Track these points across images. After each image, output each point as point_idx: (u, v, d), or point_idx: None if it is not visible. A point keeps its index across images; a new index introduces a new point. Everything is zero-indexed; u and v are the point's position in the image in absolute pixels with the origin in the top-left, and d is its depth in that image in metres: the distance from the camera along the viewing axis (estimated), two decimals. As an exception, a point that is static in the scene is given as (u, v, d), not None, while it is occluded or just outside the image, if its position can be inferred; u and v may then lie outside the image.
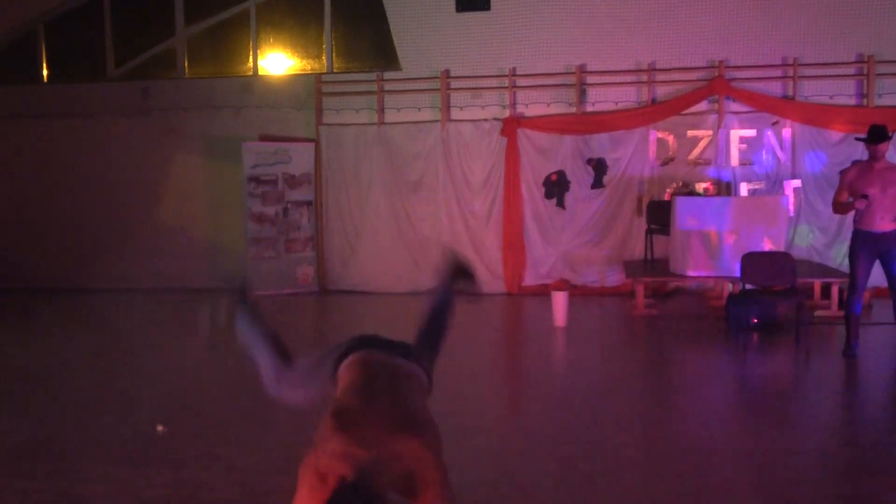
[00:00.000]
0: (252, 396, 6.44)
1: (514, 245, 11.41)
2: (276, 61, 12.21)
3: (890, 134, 7.22)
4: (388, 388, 2.89)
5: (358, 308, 10.93)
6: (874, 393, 6.61)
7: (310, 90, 11.96)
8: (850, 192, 7.11)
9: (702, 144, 11.08)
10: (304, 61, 12.16)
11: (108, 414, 5.89)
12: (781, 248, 9.45)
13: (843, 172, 7.61)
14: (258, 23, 12.11)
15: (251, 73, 12.19)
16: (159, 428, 5.40)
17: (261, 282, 11.47)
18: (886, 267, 7.03)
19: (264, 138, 11.91)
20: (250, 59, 12.21)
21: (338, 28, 11.95)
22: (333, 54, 12.02)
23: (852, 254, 7.19)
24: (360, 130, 11.79)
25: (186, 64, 12.32)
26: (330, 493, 2.56)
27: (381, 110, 11.80)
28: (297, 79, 12.10)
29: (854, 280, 7.16)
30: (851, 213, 7.31)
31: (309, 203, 11.91)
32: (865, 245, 7.05)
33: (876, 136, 6.98)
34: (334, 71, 12.02)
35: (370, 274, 11.71)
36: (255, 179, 11.59)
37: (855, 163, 9.14)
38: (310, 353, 3.43)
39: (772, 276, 7.86)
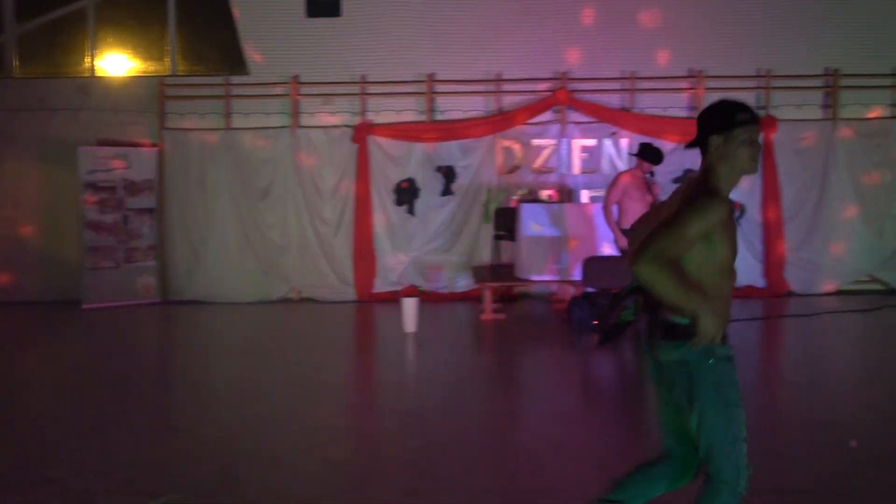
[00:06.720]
0: (86, 415, 6.16)
1: (364, 252, 11.39)
2: (116, 62, 11.76)
3: None
4: None
5: (201, 318, 10.60)
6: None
7: (152, 93, 11.52)
8: None
9: (546, 153, 11.43)
10: (147, 63, 11.77)
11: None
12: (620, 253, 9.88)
13: None
14: (97, 21, 11.62)
15: (89, 75, 11.67)
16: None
17: (99, 293, 10.98)
18: None
19: (103, 142, 11.35)
20: (88, 59, 11.70)
21: (182, 29, 11.65)
22: (178, 56, 11.68)
23: None
24: (206, 136, 11.48)
25: (17, 63, 11.68)
26: None
27: (229, 115, 11.54)
28: (138, 81, 11.67)
29: None
30: None
31: (151, 210, 11.45)
32: None
33: None
34: (178, 73, 11.67)
35: (216, 283, 11.39)
36: (93, 186, 11.02)
37: None
38: None
39: (611, 279, 8.19)
